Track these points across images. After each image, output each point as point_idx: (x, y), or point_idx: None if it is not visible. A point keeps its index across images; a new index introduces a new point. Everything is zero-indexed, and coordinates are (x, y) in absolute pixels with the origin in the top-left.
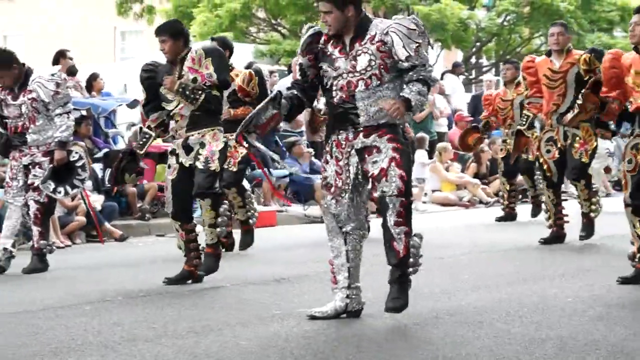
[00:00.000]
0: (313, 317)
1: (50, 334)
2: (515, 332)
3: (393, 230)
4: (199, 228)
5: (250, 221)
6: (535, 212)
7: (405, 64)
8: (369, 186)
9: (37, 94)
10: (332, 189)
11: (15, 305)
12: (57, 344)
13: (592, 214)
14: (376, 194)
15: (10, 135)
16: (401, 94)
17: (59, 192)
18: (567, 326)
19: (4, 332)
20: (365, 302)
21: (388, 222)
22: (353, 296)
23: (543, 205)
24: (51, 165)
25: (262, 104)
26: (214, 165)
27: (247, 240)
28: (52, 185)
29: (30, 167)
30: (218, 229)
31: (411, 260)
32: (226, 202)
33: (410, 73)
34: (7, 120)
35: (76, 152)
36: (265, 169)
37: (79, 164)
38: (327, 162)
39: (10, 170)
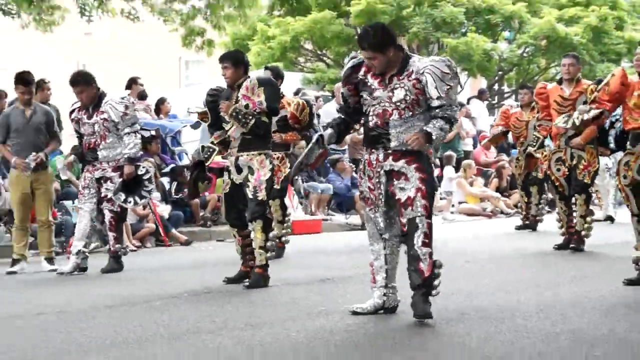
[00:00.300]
0: (354, 313)
1: (125, 326)
2: (533, 327)
3: (420, 250)
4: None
5: (283, 239)
6: (531, 227)
7: (435, 102)
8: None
9: (108, 114)
10: (369, 202)
11: (95, 301)
12: (131, 335)
13: (583, 232)
14: (403, 219)
15: (85, 151)
16: (424, 127)
17: (129, 202)
18: (578, 322)
19: (86, 326)
20: (401, 300)
21: (415, 244)
22: (390, 294)
23: (556, 215)
24: (121, 179)
25: (310, 145)
26: (261, 195)
27: (279, 253)
28: (122, 196)
29: (102, 181)
30: (268, 253)
31: (435, 282)
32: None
33: (437, 110)
34: (82, 137)
35: (143, 167)
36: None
37: (146, 177)
38: (361, 177)
39: (84, 180)
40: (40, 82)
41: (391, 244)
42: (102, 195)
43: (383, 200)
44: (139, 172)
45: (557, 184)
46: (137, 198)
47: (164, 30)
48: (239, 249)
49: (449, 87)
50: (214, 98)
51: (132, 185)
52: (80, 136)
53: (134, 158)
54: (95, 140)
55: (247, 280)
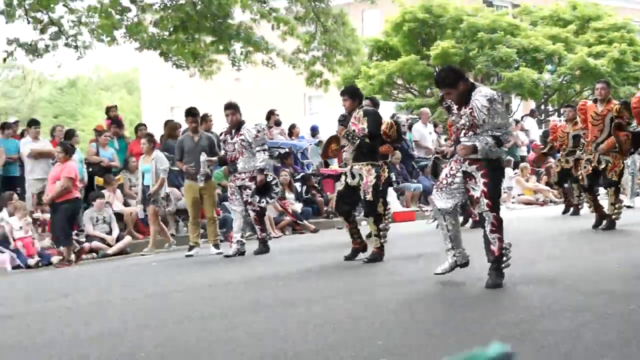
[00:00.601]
0: (437, 274)
1: (273, 293)
2: (580, 287)
3: (490, 236)
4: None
5: (386, 227)
6: (573, 212)
7: (484, 127)
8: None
9: (244, 136)
10: (439, 184)
11: (250, 275)
12: (276, 300)
13: (613, 216)
14: (475, 211)
15: (228, 163)
16: (475, 141)
17: (263, 202)
18: (615, 284)
19: (235, 295)
20: (470, 256)
21: (486, 231)
22: (458, 254)
23: (585, 204)
24: (255, 186)
25: (431, 167)
26: (369, 196)
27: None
28: (257, 198)
29: (242, 189)
30: (382, 240)
31: (504, 258)
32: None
33: (488, 131)
34: (227, 153)
35: (270, 175)
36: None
37: (273, 182)
38: (445, 166)
39: (230, 189)
40: (204, 115)
41: (450, 217)
42: (244, 200)
43: (452, 186)
44: (268, 179)
45: (580, 177)
46: (268, 199)
47: (292, 74)
48: (348, 232)
49: (485, 115)
50: (342, 123)
51: (264, 189)
52: (225, 152)
53: (264, 169)
54: (235, 155)
55: (362, 255)
